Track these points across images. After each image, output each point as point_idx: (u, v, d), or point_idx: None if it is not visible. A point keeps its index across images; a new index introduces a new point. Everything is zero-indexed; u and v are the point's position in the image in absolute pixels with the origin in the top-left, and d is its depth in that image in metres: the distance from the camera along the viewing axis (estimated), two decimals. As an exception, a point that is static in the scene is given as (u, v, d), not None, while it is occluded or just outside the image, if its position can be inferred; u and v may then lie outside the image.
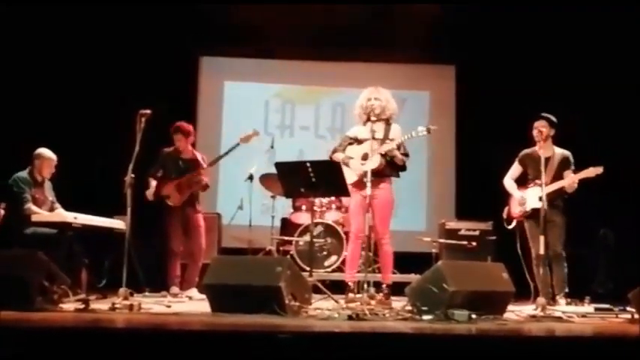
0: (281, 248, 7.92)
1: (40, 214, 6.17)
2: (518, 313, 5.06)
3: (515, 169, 6.41)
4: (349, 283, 5.96)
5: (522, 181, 6.38)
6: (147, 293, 6.38)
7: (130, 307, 4.82)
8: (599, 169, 5.88)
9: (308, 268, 5.80)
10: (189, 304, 5.87)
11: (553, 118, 6.12)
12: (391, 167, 5.85)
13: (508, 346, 3.69)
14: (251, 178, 7.75)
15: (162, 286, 6.69)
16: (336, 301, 5.40)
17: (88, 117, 8.29)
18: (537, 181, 5.86)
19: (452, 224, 7.86)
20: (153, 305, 5.29)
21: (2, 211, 6.16)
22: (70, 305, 4.89)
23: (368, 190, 5.36)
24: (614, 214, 7.75)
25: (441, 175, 9.51)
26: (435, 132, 5.87)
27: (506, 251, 6.36)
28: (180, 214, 6.79)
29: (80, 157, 7.66)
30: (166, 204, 6.75)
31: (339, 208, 7.91)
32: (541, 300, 5.22)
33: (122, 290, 5.04)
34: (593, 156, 6.01)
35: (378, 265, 6.44)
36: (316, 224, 7.46)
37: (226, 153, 6.83)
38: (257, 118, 9.15)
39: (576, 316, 5.02)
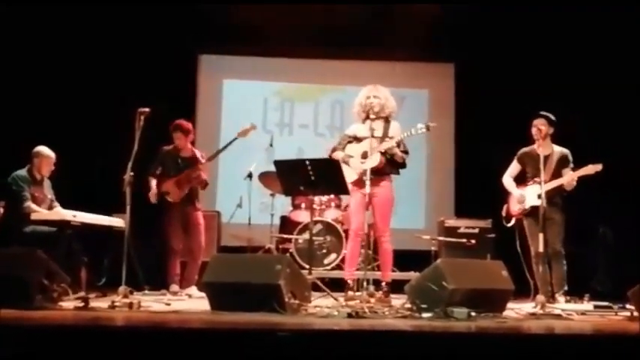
0: (280, 246, 7.93)
1: (39, 213, 6.16)
2: (517, 310, 5.06)
3: (514, 168, 6.42)
4: (348, 281, 5.97)
5: (521, 180, 6.38)
6: (146, 291, 6.38)
7: (130, 306, 4.82)
8: (599, 167, 5.88)
9: (307, 266, 5.80)
10: (189, 302, 5.87)
11: (552, 117, 6.12)
12: (391, 165, 5.86)
13: (507, 344, 3.70)
14: (250, 176, 7.76)
15: (161, 284, 6.70)
16: (336, 299, 5.40)
17: (86, 115, 8.28)
18: (536, 179, 5.87)
19: (451, 222, 7.87)
20: (152, 303, 5.30)
21: (1, 210, 6.16)
22: (69, 303, 4.89)
23: (367, 189, 5.37)
24: (613, 212, 7.76)
25: (440, 173, 9.52)
26: (434, 130, 5.88)
27: (506, 249, 6.36)
28: (179, 212, 6.79)
29: (79, 156, 7.65)
30: (166, 202, 6.76)
31: (338, 206, 7.91)
32: (540, 298, 5.22)
33: (122, 288, 5.04)
34: (592, 155, 6.01)
35: (378, 263, 6.45)
36: (315, 222, 7.46)
37: (224, 147, 6.84)
38: (256, 116, 9.13)
39: (575, 313, 5.01)
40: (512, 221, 6.30)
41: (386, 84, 6.17)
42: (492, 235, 7.58)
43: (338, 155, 5.92)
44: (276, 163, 5.80)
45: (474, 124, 8.97)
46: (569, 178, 5.99)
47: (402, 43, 8.84)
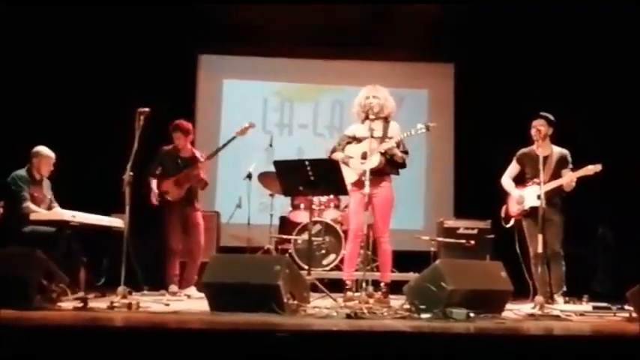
0: (279, 247, 7.93)
1: (38, 213, 6.16)
2: (516, 311, 5.06)
3: (513, 168, 6.42)
4: (347, 282, 5.97)
5: (520, 180, 6.38)
6: (145, 292, 6.37)
7: (129, 306, 4.82)
8: (598, 167, 5.88)
9: (306, 267, 5.80)
10: (188, 303, 5.87)
11: (551, 117, 6.13)
12: (391, 165, 5.86)
13: (506, 345, 3.70)
14: (250, 176, 7.76)
15: (160, 285, 6.69)
16: (335, 300, 5.40)
17: (86, 115, 8.28)
18: (536, 180, 5.87)
19: (450, 223, 7.87)
20: (151, 304, 5.30)
21: (0, 210, 6.16)
22: (68, 304, 4.89)
23: (366, 189, 5.37)
24: (612, 213, 7.76)
25: (439, 174, 9.52)
26: (434, 130, 5.88)
27: (505, 250, 6.36)
28: (179, 213, 6.79)
29: (79, 156, 7.65)
30: (165, 202, 6.75)
31: (337, 207, 7.91)
32: (539, 299, 5.22)
33: (121, 289, 5.04)
34: (592, 155, 6.00)
35: (377, 264, 6.45)
36: (315, 223, 7.46)
37: (223, 146, 6.85)
38: (256, 116, 9.12)
39: (574, 314, 5.01)
40: (512, 222, 6.29)
41: (385, 84, 6.17)
42: (491, 236, 7.58)
43: (338, 156, 5.92)
44: (276, 163, 5.80)
45: (473, 124, 8.97)
46: (569, 178, 6.00)
47: (402, 43, 8.84)
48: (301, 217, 7.83)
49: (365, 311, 4.62)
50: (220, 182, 9.18)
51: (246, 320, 4.19)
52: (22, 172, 6.34)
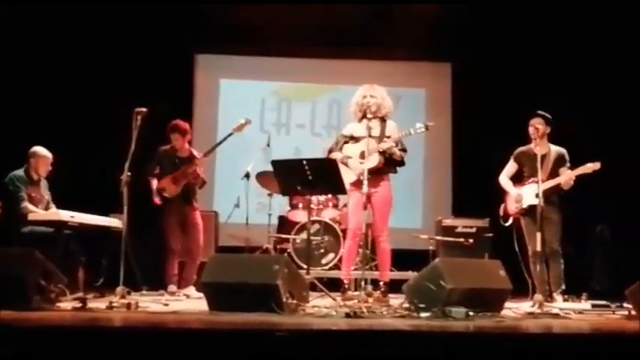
0: (278, 246, 7.93)
1: (36, 213, 6.16)
2: (515, 310, 5.07)
3: (511, 167, 6.42)
4: (344, 281, 5.97)
5: (517, 179, 6.38)
6: (144, 292, 6.36)
7: (128, 306, 4.82)
8: (597, 165, 5.88)
9: (305, 266, 5.80)
10: (187, 303, 5.87)
11: (549, 116, 6.13)
12: (390, 164, 5.86)
13: (505, 343, 3.70)
14: (247, 176, 7.75)
15: (159, 285, 6.68)
16: (334, 299, 5.40)
17: (84, 115, 8.28)
18: (534, 179, 5.86)
19: (448, 221, 7.88)
20: (150, 304, 5.29)
21: (-1, 210, 6.16)
22: (67, 304, 4.89)
23: (365, 188, 5.37)
24: (611, 212, 7.76)
25: (438, 173, 9.53)
26: (431, 129, 5.88)
27: (503, 248, 6.35)
28: (177, 212, 6.78)
29: (77, 156, 7.65)
30: (164, 202, 6.74)
31: (335, 206, 7.90)
32: (538, 297, 5.21)
33: (119, 289, 5.04)
34: (591, 155, 6.00)
35: (376, 263, 6.45)
36: (313, 222, 7.45)
37: (219, 143, 6.83)
38: (253, 116, 9.02)
39: (573, 312, 5.02)
40: (510, 220, 6.30)
41: (383, 83, 6.17)
42: (490, 235, 7.59)
43: (336, 156, 5.91)
44: (274, 163, 5.79)
45: (471, 123, 8.97)
46: (567, 177, 6.00)
47: (401, 42, 8.86)
48: (300, 216, 7.83)
49: (364, 310, 4.63)
50: (218, 182, 9.18)
51: (245, 320, 4.19)
52: (20, 172, 6.33)
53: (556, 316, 4.91)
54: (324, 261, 7.59)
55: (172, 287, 6.65)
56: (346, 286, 5.95)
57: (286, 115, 9.74)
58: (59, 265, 5.15)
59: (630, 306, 4.94)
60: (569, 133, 6.26)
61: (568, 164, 6.15)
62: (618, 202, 7.68)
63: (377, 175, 5.75)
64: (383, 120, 5.91)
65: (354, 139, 5.94)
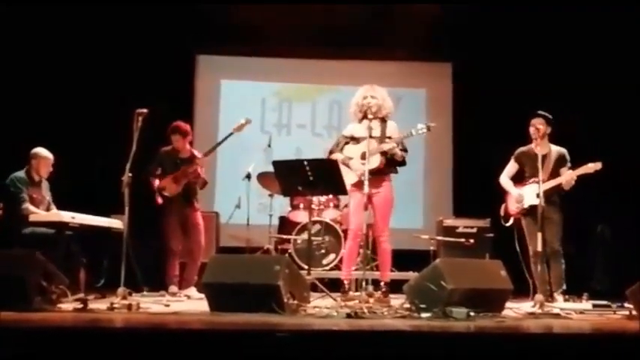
0: (279, 247, 7.93)
1: (37, 214, 6.16)
2: (516, 310, 5.06)
3: (512, 167, 6.42)
4: (345, 282, 5.97)
5: (517, 179, 6.38)
6: (145, 293, 6.37)
7: (129, 307, 4.82)
8: (598, 165, 5.88)
9: (306, 267, 5.80)
10: (188, 304, 5.87)
11: (549, 116, 6.13)
12: (390, 164, 5.87)
13: (506, 344, 3.70)
14: (249, 176, 7.75)
15: (160, 286, 6.69)
16: (335, 299, 5.40)
17: (85, 116, 8.28)
18: (535, 179, 5.86)
19: (449, 222, 7.88)
20: (151, 305, 5.29)
21: (0, 211, 6.15)
22: (68, 305, 4.89)
23: (365, 189, 5.37)
24: (612, 212, 7.76)
25: (438, 173, 9.53)
26: (432, 129, 5.88)
27: (504, 248, 6.36)
28: (178, 213, 6.79)
29: (78, 157, 7.65)
30: (165, 203, 6.74)
31: (336, 207, 7.91)
32: (539, 297, 5.21)
33: (120, 290, 5.04)
34: (592, 155, 6.00)
35: (377, 263, 6.45)
36: (314, 222, 7.46)
37: (220, 142, 6.84)
38: (254, 117, 9.02)
39: (574, 312, 5.02)
40: (511, 221, 6.30)
41: (383, 83, 6.17)
42: (491, 235, 7.59)
43: (337, 157, 5.91)
44: (275, 163, 5.80)
45: (471, 123, 8.97)
46: (569, 177, 6.00)
47: (401, 43, 8.86)
48: (300, 217, 7.83)
49: (365, 311, 4.62)
50: (219, 183, 9.18)
51: (246, 320, 4.19)
52: (21, 173, 6.33)
53: (557, 316, 4.90)
54: (325, 261, 7.60)
55: (173, 288, 6.66)
56: (347, 287, 5.95)
57: (287, 116, 9.74)
58: (60, 266, 5.16)
59: (631, 306, 4.93)
60: (570, 133, 6.26)
61: (569, 164, 6.15)
62: (619, 202, 7.68)
63: (378, 175, 5.76)
64: (383, 120, 5.91)
65: (355, 139, 5.94)
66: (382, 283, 5.92)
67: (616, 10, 7.72)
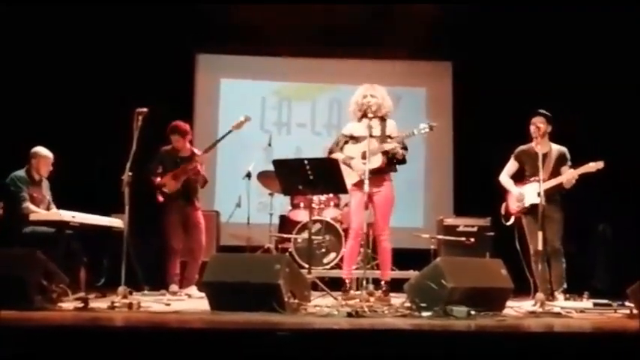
0: (279, 246, 7.93)
1: (38, 213, 6.16)
2: (516, 309, 5.06)
3: (512, 166, 6.42)
4: (346, 280, 5.97)
5: (517, 178, 6.38)
6: (146, 291, 6.38)
7: (129, 306, 4.81)
8: (600, 164, 5.88)
9: (307, 266, 5.80)
10: (189, 302, 5.87)
11: (550, 115, 6.13)
12: (391, 163, 5.87)
13: (507, 342, 3.70)
14: (249, 175, 7.75)
15: (161, 285, 6.69)
16: (335, 298, 5.40)
17: (85, 115, 8.28)
18: (536, 177, 5.86)
19: (450, 220, 7.88)
20: (152, 303, 5.29)
21: (0, 211, 6.15)
22: (69, 304, 4.88)
23: (366, 188, 5.37)
24: (613, 211, 7.76)
25: (439, 172, 9.53)
26: (433, 129, 5.88)
27: (505, 247, 6.36)
28: (179, 212, 6.79)
29: (78, 156, 7.65)
30: (166, 201, 6.74)
31: (337, 205, 7.91)
32: (540, 296, 5.21)
33: (121, 289, 5.04)
34: (592, 154, 6.00)
35: (377, 262, 6.45)
36: (314, 221, 7.46)
37: (219, 140, 6.86)
38: (254, 116, 9.04)
39: (575, 311, 5.01)
40: (512, 219, 6.29)
41: (383, 82, 6.18)
42: (491, 234, 7.59)
43: (338, 157, 5.91)
44: (275, 162, 5.80)
45: (472, 122, 8.98)
46: (570, 176, 5.99)
47: (401, 42, 8.86)
48: (301, 215, 7.83)
49: (366, 309, 4.62)
50: (220, 182, 9.18)
51: (247, 319, 4.18)
52: (21, 172, 6.33)
53: (558, 315, 4.90)
54: (325, 260, 7.60)
55: (174, 287, 6.66)
56: (348, 286, 5.95)
57: (287, 115, 9.74)
58: (61, 265, 5.15)
59: (632, 305, 4.93)
60: (570, 133, 6.25)
61: (569, 163, 6.16)
62: (620, 201, 7.68)
63: (379, 174, 5.76)
64: (383, 119, 5.91)
65: (354, 138, 5.94)
66: (382, 282, 5.92)
67: (616, 10, 7.71)
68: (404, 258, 7.02)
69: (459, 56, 9.37)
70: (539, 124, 5.97)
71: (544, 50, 8.54)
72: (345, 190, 5.80)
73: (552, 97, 7.42)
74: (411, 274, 6.31)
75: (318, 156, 6.09)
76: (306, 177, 5.57)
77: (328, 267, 7.55)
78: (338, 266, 7.40)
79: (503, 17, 8.56)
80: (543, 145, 5.98)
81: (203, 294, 5.08)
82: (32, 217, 6.09)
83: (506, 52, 8.71)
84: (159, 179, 6.78)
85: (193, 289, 6.63)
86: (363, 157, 5.75)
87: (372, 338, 3.69)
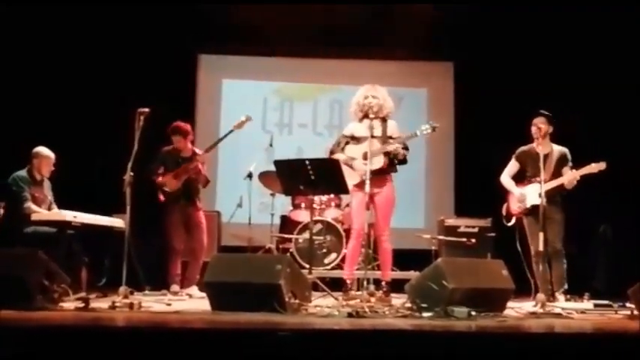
0: (280, 246, 7.93)
1: (39, 213, 6.16)
2: (517, 309, 5.06)
3: (513, 166, 6.42)
4: (347, 281, 5.97)
5: (517, 179, 6.38)
6: (147, 292, 6.38)
7: (130, 306, 4.81)
8: (602, 165, 5.87)
9: (308, 266, 5.80)
10: (190, 303, 5.87)
11: (551, 115, 6.12)
12: (393, 163, 5.87)
13: (508, 343, 3.70)
14: (250, 176, 7.75)
15: (162, 285, 6.69)
16: (336, 299, 5.40)
17: (86, 115, 8.29)
18: (537, 178, 5.85)
19: (451, 221, 7.87)
20: (153, 303, 5.29)
21: (2, 210, 6.16)
22: (70, 304, 4.88)
23: (367, 188, 5.37)
24: (613, 212, 7.76)
25: (440, 172, 9.53)
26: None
27: (506, 248, 6.36)
28: (181, 212, 6.79)
29: (79, 156, 7.66)
30: (168, 201, 6.74)
31: (338, 206, 7.91)
32: (540, 296, 5.21)
33: (122, 289, 5.03)
34: (593, 155, 6.00)
35: (378, 263, 6.45)
36: (316, 222, 7.45)
37: (221, 139, 6.87)
38: (255, 116, 9.05)
39: (576, 312, 5.01)
40: (513, 220, 6.29)
41: (384, 83, 6.19)
42: (492, 234, 7.58)
43: (340, 158, 5.91)
44: (276, 162, 5.80)
45: (473, 123, 8.98)
46: (571, 177, 5.99)
47: (401, 43, 8.87)
48: (302, 216, 7.84)
49: (366, 310, 4.62)
50: (221, 182, 9.18)
51: (248, 319, 4.18)
52: (23, 172, 6.34)
53: (558, 315, 4.90)
54: (326, 261, 7.60)
55: (175, 287, 6.66)
56: (350, 286, 5.95)
57: (288, 115, 9.75)
58: (62, 265, 5.16)
59: (633, 306, 4.93)
60: (570, 133, 6.25)
61: (570, 164, 6.15)
62: (621, 202, 7.67)
63: (380, 175, 5.76)
64: (384, 120, 5.91)
65: (356, 139, 5.94)
66: (383, 283, 5.92)
67: (616, 10, 7.71)
68: (405, 258, 7.02)
69: (460, 56, 9.38)
70: (540, 125, 5.97)
71: (544, 50, 8.54)
72: (346, 191, 5.80)
73: (553, 97, 7.43)
74: (412, 274, 6.30)
75: (319, 156, 6.08)
76: (307, 177, 5.57)
77: (329, 267, 7.55)
78: (339, 267, 7.40)
79: (504, 17, 8.56)
80: (544, 146, 5.98)
81: (204, 294, 5.09)
82: (34, 217, 6.10)
83: (507, 53, 8.71)
84: (160, 178, 6.78)
85: (194, 289, 6.64)
86: (365, 157, 5.75)
87: (372, 339, 3.69)
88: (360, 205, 5.79)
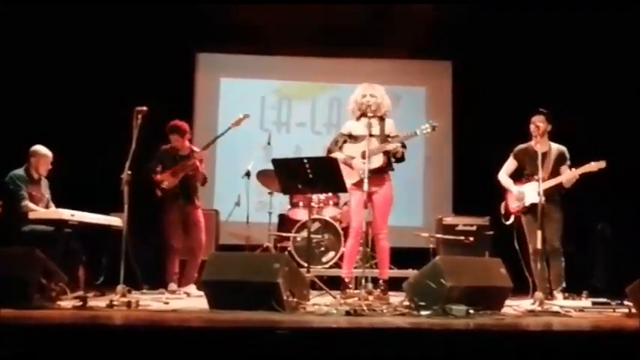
0: (278, 244, 7.93)
1: (37, 212, 6.16)
2: (515, 307, 5.07)
3: (511, 164, 6.42)
4: (346, 279, 5.97)
5: (516, 177, 6.38)
6: (145, 290, 6.37)
7: (128, 304, 4.81)
8: (602, 164, 5.87)
9: (306, 264, 5.80)
10: (187, 301, 5.87)
11: (550, 114, 6.12)
12: (391, 162, 5.87)
13: (506, 341, 3.69)
14: (248, 174, 7.75)
15: (160, 283, 6.69)
16: (334, 297, 5.41)
17: (84, 114, 8.28)
18: (536, 177, 5.85)
19: (449, 220, 7.88)
20: (151, 302, 5.29)
21: (-1, 209, 6.16)
22: (67, 303, 4.88)
23: (365, 187, 5.37)
24: (612, 210, 7.76)
25: (438, 171, 9.53)
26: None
27: (504, 246, 6.36)
28: (179, 210, 6.79)
29: (77, 155, 7.65)
30: (166, 200, 6.73)
31: (336, 204, 7.91)
32: (539, 295, 5.21)
33: (120, 287, 5.03)
34: (592, 154, 6.00)
35: (376, 261, 6.45)
36: (314, 220, 7.46)
37: (218, 137, 6.86)
38: (253, 115, 9.06)
39: (574, 310, 5.02)
40: (511, 219, 6.29)
41: (383, 82, 6.17)
42: (490, 233, 7.59)
43: (338, 156, 5.90)
44: (274, 161, 5.79)
45: (471, 122, 8.98)
46: (571, 175, 6.00)
47: (401, 42, 8.88)
48: (300, 214, 7.83)
49: (364, 308, 4.62)
50: (219, 181, 9.18)
51: (246, 318, 4.18)
52: (20, 171, 6.33)
53: (556, 313, 4.90)
54: (324, 259, 7.60)
55: (173, 285, 6.66)
56: (347, 285, 5.94)
57: (287, 114, 9.75)
58: (60, 264, 5.15)
59: (630, 304, 4.94)
60: (569, 133, 6.26)
61: (568, 162, 6.16)
62: (619, 200, 7.67)
63: (379, 174, 5.76)
64: (382, 119, 5.91)
65: (353, 137, 5.93)
66: (381, 281, 5.92)
67: (616, 10, 7.71)
68: (403, 257, 7.02)
69: (459, 56, 9.38)
70: (538, 123, 5.97)
71: (544, 50, 8.54)
72: (344, 189, 5.79)
73: (552, 97, 7.43)
74: (410, 273, 6.31)
75: (317, 155, 6.08)
76: (305, 176, 5.57)
77: (327, 266, 7.55)
78: (337, 265, 7.40)
79: (503, 17, 8.56)
80: (543, 144, 5.98)
81: (202, 292, 5.08)
82: (31, 215, 6.09)
83: (506, 52, 8.72)
84: (158, 176, 6.78)
85: (192, 288, 6.64)
86: (363, 156, 5.74)
87: (370, 337, 3.69)
88: (358, 204, 5.79)
